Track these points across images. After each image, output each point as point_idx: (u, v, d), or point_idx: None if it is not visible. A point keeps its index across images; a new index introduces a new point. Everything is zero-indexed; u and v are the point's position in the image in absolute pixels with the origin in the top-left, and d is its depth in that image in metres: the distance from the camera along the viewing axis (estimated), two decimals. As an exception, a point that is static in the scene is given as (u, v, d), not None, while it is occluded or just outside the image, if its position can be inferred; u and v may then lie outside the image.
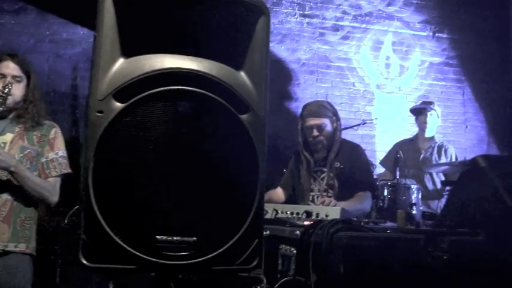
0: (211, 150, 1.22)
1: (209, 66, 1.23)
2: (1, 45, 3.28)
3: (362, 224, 1.71)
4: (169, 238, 1.19)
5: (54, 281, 3.00)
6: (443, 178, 4.05)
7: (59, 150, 2.42)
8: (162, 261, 1.17)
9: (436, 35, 5.09)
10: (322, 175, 3.01)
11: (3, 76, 2.32)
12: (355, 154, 3.06)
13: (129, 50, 1.19)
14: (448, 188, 3.78)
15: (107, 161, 1.15)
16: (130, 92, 1.17)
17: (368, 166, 3.19)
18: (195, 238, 1.19)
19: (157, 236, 1.18)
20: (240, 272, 1.27)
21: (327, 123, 3.02)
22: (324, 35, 4.82)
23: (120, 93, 1.16)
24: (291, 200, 3.22)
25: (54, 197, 2.37)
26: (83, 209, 1.17)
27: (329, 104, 3.17)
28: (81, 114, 4.12)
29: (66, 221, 3.34)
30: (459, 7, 5.17)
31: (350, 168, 2.98)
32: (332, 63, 4.82)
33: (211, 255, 1.20)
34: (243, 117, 1.25)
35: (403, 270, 1.35)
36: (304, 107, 3.16)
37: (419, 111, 4.14)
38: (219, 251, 1.21)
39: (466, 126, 5.13)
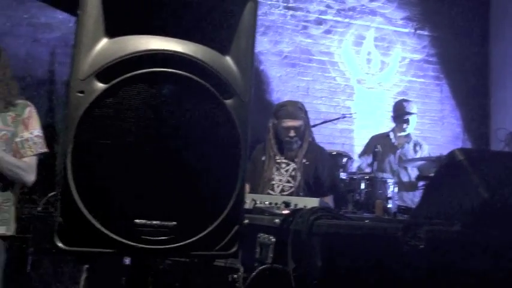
0: (193, 134, 1.21)
1: (195, 49, 1.22)
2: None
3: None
4: (148, 222, 1.17)
5: (24, 269, 2.95)
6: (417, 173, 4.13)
7: (34, 130, 2.38)
8: (140, 245, 1.16)
9: (417, 32, 5.16)
10: (287, 167, 3.18)
11: None
12: (320, 155, 3.30)
13: (113, 30, 1.17)
14: (422, 182, 3.87)
15: (87, 143, 1.13)
16: (113, 73, 1.14)
17: (333, 169, 3.38)
18: (175, 222, 1.18)
19: (136, 220, 1.17)
20: (218, 257, 1.27)
21: (302, 124, 3.22)
22: (307, 28, 4.83)
23: (103, 73, 1.14)
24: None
25: (30, 176, 2.34)
26: (60, 190, 1.14)
27: (302, 104, 3.38)
28: (58, 101, 4.03)
29: (39, 209, 3.29)
30: (441, 5, 5.25)
31: (315, 166, 3.19)
32: (314, 57, 4.84)
33: (191, 240, 1.19)
34: (228, 102, 1.24)
35: (380, 258, 1.37)
36: (280, 106, 3.34)
37: (399, 118, 4.18)
38: (199, 236, 1.20)
39: (443, 123, 5.23)
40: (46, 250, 3.09)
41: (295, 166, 3.18)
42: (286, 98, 4.48)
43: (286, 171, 3.19)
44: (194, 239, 1.20)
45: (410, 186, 4.11)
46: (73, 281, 3.00)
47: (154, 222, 1.17)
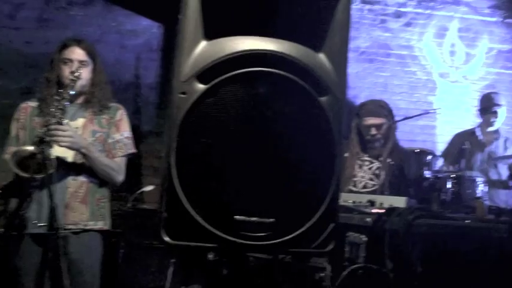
0: (290, 132, 1.22)
1: (289, 47, 1.23)
2: (71, 36, 3.44)
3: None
4: (247, 218, 1.20)
5: (116, 262, 3.13)
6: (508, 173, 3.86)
7: (125, 131, 2.51)
8: (240, 240, 1.19)
9: (506, 20, 4.82)
10: (371, 165, 3.16)
11: (70, 61, 2.41)
12: (406, 156, 3.20)
13: (211, 32, 1.21)
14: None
15: (189, 141, 1.18)
16: (212, 74, 1.19)
17: (419, 171, 3.27)
18: (273, 219, 1.20)
19: (235, 216, 1.20)
20: (315, 255, 1.27)
21: (385, 123, 3.16)
22: (385, 21, 4.68)
23: (203, 74, 1.19)
24: None
25: (119, 176, 2.47)
26: (165, 187, 1.20)
27: (386, 103, 3.32)
28: (143, 103, 4.24)
29: (129, 205, 3.49)
30: (532, -9, 4.86)
31: (401, 166, 3.12)
32: (392, 51, 4.68)
33: (289, 236, 1.21)
34: (322, 99, 1.25)
35: (485, 260, 1.30)
36: (362, 105, 3.33)
37: (487, 111, 3.94)
38: (297, 232, 1.21)
39: (536, 118, 4.84)
40: (136, 244, 3.29)
41: (379, 165, 3.13)
42: (363, 95, 4.39)
43: (370, 168, 3.16)
44: (292, 235, 1.21)
45: (500, 184, 3.85)
46: (160, 274, 3.16)
47: (253, 218, 1.19)
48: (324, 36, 1.27)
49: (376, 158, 3.16)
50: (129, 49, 4.24)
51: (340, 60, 1.27)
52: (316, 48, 1.27)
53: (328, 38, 1.27)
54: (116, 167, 2.45)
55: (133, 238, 3.28)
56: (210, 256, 2.63)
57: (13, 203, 2.27)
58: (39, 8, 4.02)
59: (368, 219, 1.55)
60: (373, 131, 3.14)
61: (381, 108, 3.22)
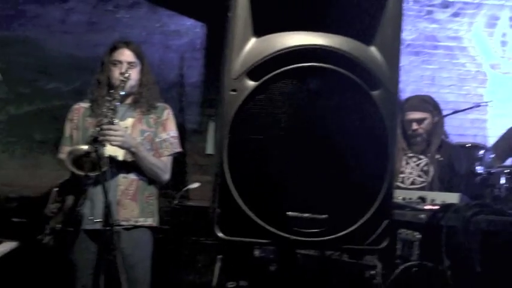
0: (342, 126, 1.20)
1: (340, 41, 1.21)
2: (118, 38, 3.54)
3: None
4: (300, 215, 1.20)
5: (164, 258, 3.20)
6: None
7: (171, 131, 2.56)
8: (294, 237, 1.19)
9: None
10: (418, 161, 3.09)
11: (120, 63, 2.48)
12: (456, 152, 3.13)
13: (260, 29, 1.21)
14: None
15: (241, 138, 1.19)
16: (263, 70, 1.19)
17: (471, 167, 3.14)
18: (326, 216, 1.19)
19: (288, 212, 1.20)
20: (367, 252, 1.25)
21: (427, 117, 3.07)
22: (432, 12, 4.54)
23: (253, 71, 1.19)
24: None
25: (166, 175, 2.52)
26: (217, 183, 1.22)
27: (431, 98, 3.22)
28: (187, 102, 4.31)
29: (175, 202, 3.56)
30: None
31: (451, 163, 3.04)
32: (440, 43, 4.53)
33: (343, 233, 1.19)
34: (375, 93, 1.22)
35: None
36: (406, 100, 3.24)
37: None
38: (350, 229, 1.20)
39: None
40: (183, 241, 3.35)
41: (427, 161, 3.05)
42: (409, 89, 4.28)
43: (418, 165, 3.08)
44: (345, 232, 1.20)
45: None
46: (207, 270, 3.20)
47: (306, 214, 1.19)
48: (375, 29, 1.24)
49: (420, 153, 3.08)
50: (173, 49, 4.32)
51: (392, 53, 1.24)
52: (368, 41, 1.24)
53: (380, 30, 1.24)
54: (162, 166, 2.50)
55: (181, 234, 3.35)
56: (257, 252, 2.64)
57: (69, 200, 2.36)
58: (88, 12, 4.16)
59: (422, 216, 1.51)
60: (414, 126, 3.06)
61: (424, 102, 3.13)
